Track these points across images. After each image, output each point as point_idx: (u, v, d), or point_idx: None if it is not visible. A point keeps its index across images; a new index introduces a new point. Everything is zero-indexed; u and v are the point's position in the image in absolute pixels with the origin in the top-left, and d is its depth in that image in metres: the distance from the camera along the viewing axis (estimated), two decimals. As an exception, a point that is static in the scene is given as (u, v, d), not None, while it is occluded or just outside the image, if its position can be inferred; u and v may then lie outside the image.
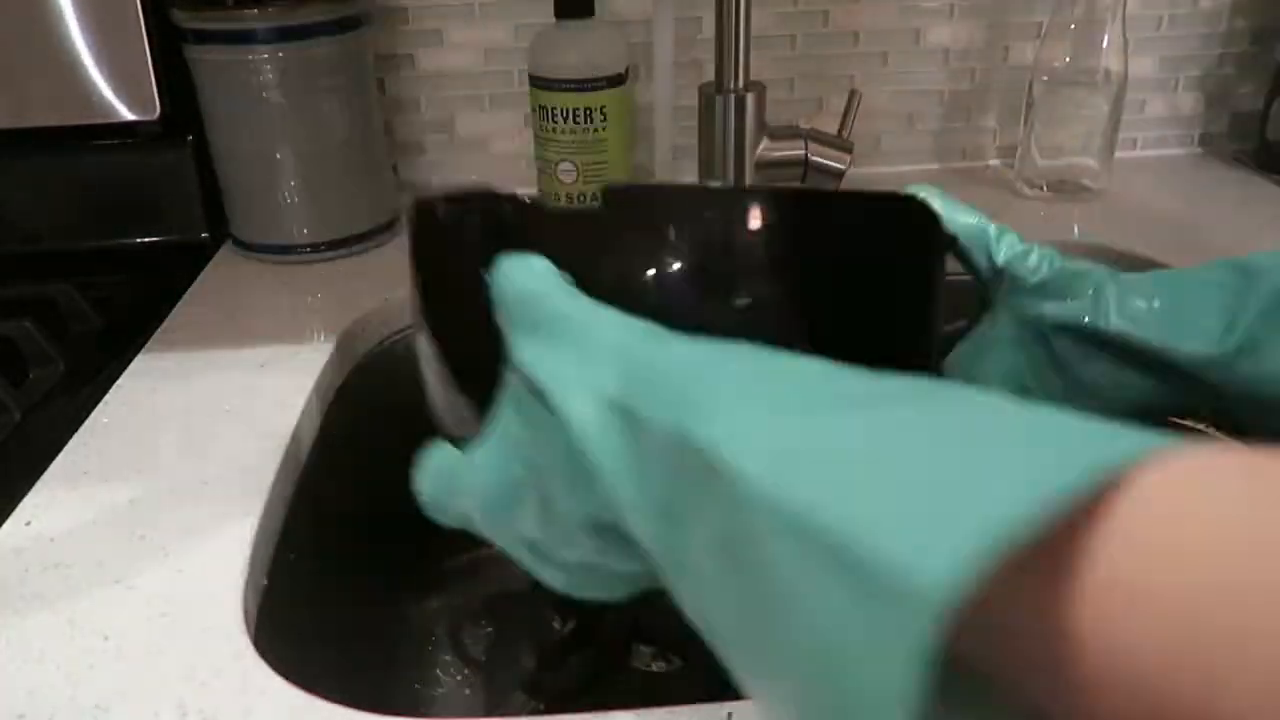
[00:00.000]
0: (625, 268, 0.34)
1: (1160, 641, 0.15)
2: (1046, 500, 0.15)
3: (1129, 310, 0.43)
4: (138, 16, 0.72)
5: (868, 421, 0.19)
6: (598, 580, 0.30)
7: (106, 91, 0.74)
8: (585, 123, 0.73)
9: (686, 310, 0.33)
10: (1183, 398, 0.43)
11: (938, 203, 0.43)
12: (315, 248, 0.76)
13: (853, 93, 0.75)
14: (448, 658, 0.73)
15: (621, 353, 0.27)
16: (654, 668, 0.55)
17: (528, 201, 0.37)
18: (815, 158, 0.76)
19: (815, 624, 0.17)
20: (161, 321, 0.67)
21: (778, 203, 0.34)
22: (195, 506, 0.48)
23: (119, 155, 0.79)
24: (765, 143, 0.77)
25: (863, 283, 0.36)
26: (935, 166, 0.91)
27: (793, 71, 0.86)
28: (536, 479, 0.29)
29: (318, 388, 0.59)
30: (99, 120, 0.74)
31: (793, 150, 0.77)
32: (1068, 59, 0.79)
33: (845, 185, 0.74)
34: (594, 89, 0.72)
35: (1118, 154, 0.84)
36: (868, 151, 0.89)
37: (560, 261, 0.32)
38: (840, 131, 0.77)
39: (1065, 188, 0.83)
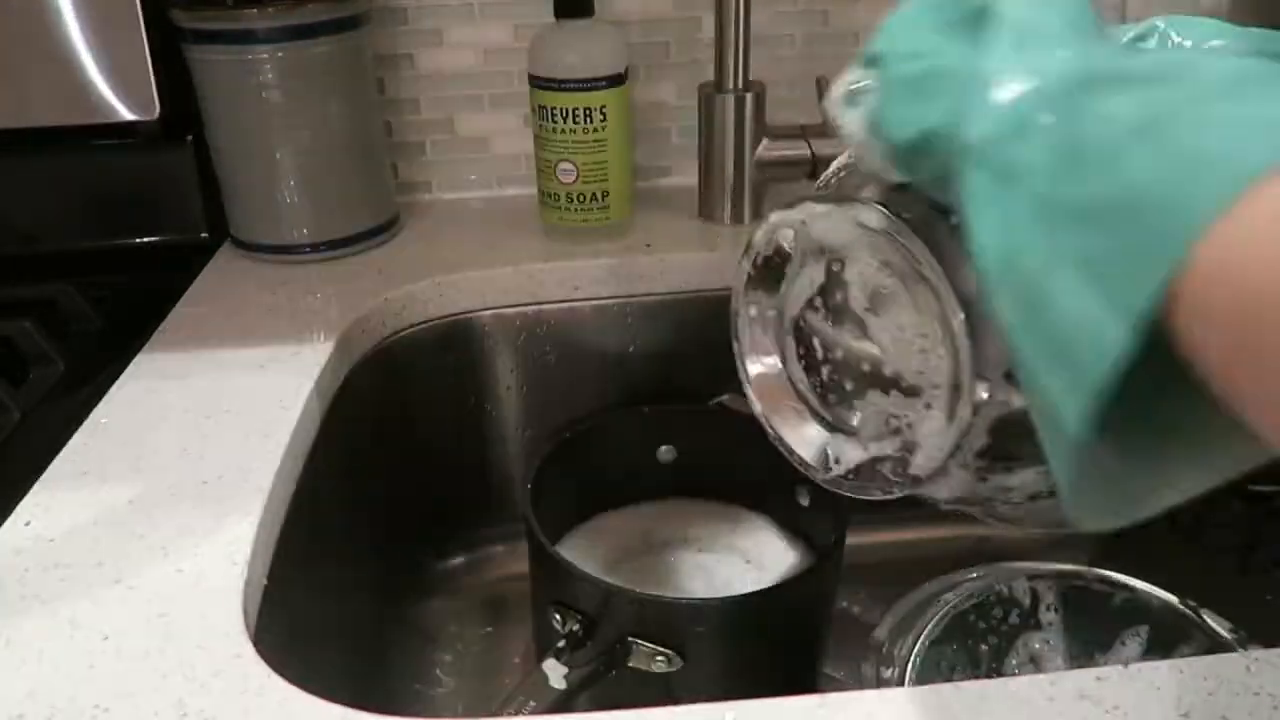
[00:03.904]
0: None
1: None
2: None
3: None
4: (138, 16, 0.72)
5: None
6: None
7: (106, 91, 0.74)
8: (585, 123, 0.73)
9: None
10: None
11: None
12: (315, 248, 0.76)
13: (819, 79, 0.75)
14: (448, 658, 0.73)
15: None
16: (654, 668, 0.55)
17: None
18: (823, 151, 0.76)
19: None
20: (161, 321, 0.67)
21: None
22: (195, 506, 0.48)
23: (119, 155, 0.79)
24: (765, 143, 0.77)
25: None
26: (935, 166, 0.91)
27: (793, 71, 0.86)
28: None
29: (318, 388, 0.59)
30: (99, 120, 0.74)
31: (793, 150, 0.77)
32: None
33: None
34: (594, 89, 0.72)
35: (1118, 154, 0.83)
36: (868, 151, 0.89)
37: None
38: (825, 119, 0.77)
39: (1065, 188, 0.83)
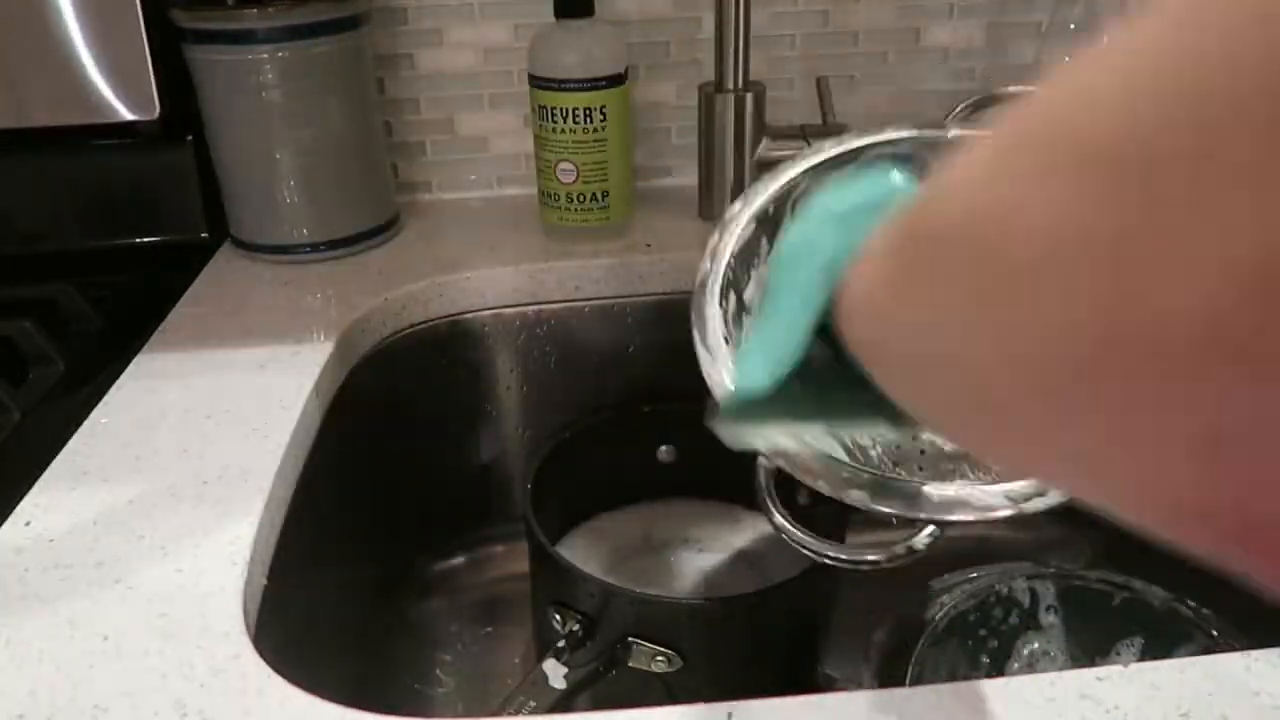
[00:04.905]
0: None
1: None
2: None
3: None
4: (138, 16, 0.72)
5: None
6: None
7: (106, 91, 0.74)
8: (585, 123, 0.73)
9: None
10: None
11: None
12: (315, 248, 0.76)
13: (819, 80, 0.75)
14: (448, 658, 0.73)
15: None
16: (654, 668, 0.55)
17: None
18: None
19: None
20: (161, 321, 0.67)
21: None
22: (195, 506, 0.48)
23: (119, 155, 0.79)
24: (765, 142, 0.77)
25: None
26: (935, 166, 0.91)
27: (793, 71, 0.86)
28: None
29: (318, 388, 0.59)
30: (99, 120, 0.74)
31: (793, 150, 0.77)
32: (1067, 59, 0.79)
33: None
34: (594, 89, 0.72)
35: (1118, 154, 0.83)
36: (868, 151, 0.89)
37: None
38: (825, 120, 0.77)
39: (1065, 188, 0.83)
